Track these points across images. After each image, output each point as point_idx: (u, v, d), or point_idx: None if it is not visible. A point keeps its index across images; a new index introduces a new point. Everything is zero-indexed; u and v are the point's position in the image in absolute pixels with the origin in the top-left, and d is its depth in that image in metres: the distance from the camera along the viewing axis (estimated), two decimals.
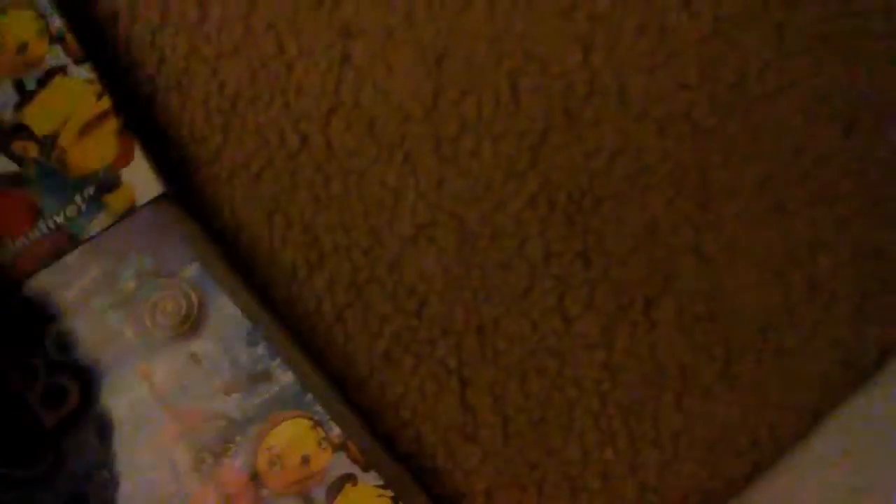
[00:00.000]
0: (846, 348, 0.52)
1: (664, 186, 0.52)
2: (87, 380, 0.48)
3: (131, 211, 0.49)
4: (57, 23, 0.48)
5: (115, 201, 0.49)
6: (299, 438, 0.48)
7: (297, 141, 0.52)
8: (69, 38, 0.49)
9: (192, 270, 0.49)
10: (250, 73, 0.52)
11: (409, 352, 0.51)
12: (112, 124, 0.49)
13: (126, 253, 0.49)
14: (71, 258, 0.48)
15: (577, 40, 0.52)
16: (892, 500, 0.50)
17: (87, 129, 0.49)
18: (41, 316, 0.48)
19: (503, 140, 0.52)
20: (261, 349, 0.49)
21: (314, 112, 0.52)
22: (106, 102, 0.49)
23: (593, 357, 0.52)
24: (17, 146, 0.48)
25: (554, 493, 0.51)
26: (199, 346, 0.48)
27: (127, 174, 0.49)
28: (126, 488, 0.47)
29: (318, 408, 0.48)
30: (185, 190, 0.51)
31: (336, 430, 0.48)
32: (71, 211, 0.48)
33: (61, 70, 0.48)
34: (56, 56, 0.48)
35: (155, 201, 0.49)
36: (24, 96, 0.48)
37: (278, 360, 0.49)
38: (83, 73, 0.49)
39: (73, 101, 0.49)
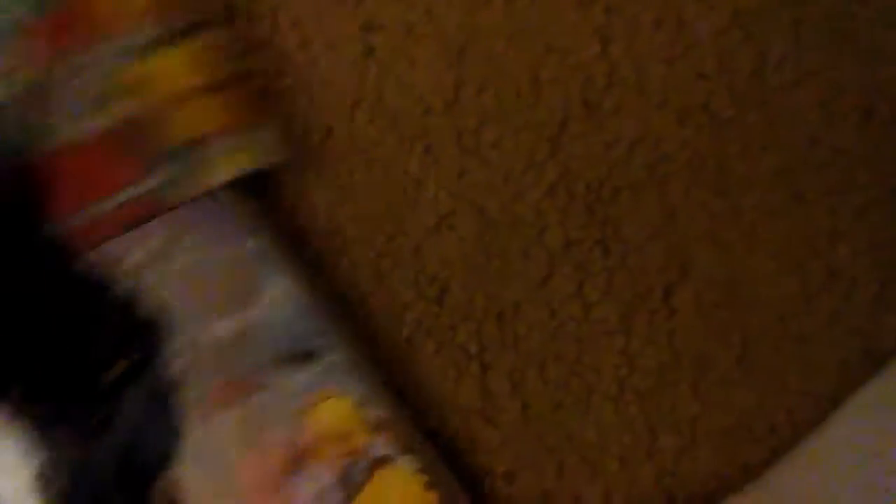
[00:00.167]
0: (865, 336, 0.53)
1: (682, 176, 0.53)
2: (143, 343, 0.48)
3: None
4: None
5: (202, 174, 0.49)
6: (342, 417, 0.49)
7: (323, 133, 0.53)
8: None
9: (250, 244, 0.50)
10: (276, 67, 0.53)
11: (431, 337, 0.52)
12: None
13: (188, 224, 0.50)
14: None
15: (596, 32, 0.53)
16: None
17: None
18: (108, 278, 0.49)
19: (523, 131, 0.53)
20: (311, 326, 0.49)
21: (338, 105, 0.53)
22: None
23: (612, 343, 0.52)
24: None
25: (573, 476, 0.52)
26: (252, 318, 0.49)
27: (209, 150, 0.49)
28: (173, 451, 0.48)
29: (363, 388, 0.49)
30: None
31: (378, 412, 0.49)
32: (160, 178, 0.49)
33: None
34: None
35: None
36: None
37: (327, 338, 0.49)
38: None
39: None
